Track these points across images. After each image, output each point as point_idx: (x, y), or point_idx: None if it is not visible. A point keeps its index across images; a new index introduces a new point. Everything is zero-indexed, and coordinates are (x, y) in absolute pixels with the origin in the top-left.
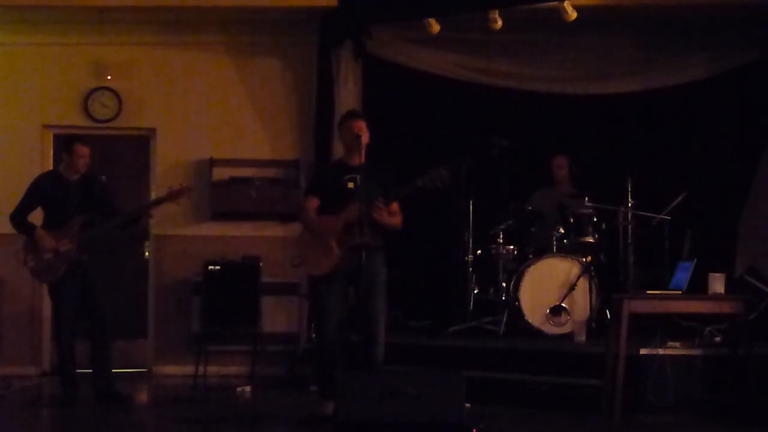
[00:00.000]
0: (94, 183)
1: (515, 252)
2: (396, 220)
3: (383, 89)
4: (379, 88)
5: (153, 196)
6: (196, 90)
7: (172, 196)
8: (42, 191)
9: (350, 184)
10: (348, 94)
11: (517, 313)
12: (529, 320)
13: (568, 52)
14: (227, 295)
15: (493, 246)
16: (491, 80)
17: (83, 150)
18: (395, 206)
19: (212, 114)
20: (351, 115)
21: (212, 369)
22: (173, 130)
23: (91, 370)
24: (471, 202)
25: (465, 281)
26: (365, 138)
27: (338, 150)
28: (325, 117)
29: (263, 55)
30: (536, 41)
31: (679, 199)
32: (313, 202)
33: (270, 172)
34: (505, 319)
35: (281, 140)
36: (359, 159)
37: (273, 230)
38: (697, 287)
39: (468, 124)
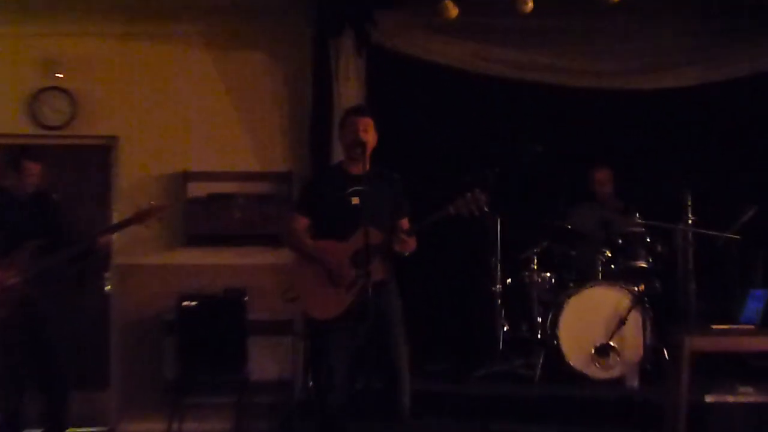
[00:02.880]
0: (48, 201)
1: (552, 280)
2: (412, 245)
3: (391, 86)
4: (386, 86)
5: (116, 217)
6: (168, 90)
7: (140, 218)
8: None
9: (354, 200)
10: (349, 93)
11: (556, 353)
12: (571, 362)
13: (612, 41)
14: (206, 336)
15: (526, 273)
16: (520, 74)
17: (33, 167)
18: (406, 224)
19: (187, 119)
20: (355, 111)
21: (189, 425)
22: (139, 138)
23: (41, 431)
24: (499, 220)
25: (492, 315)
26: (371, 139)
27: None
28: (322, 120)
29: (248, 49)
30: (574, 28)
31: (749, 214)
32: (302, 222)
33: (257, 188)
34: (541, 361)
35: (270, 149)
36: (363, 166)
37: (261, 257)
38: None
39: (493, 126)
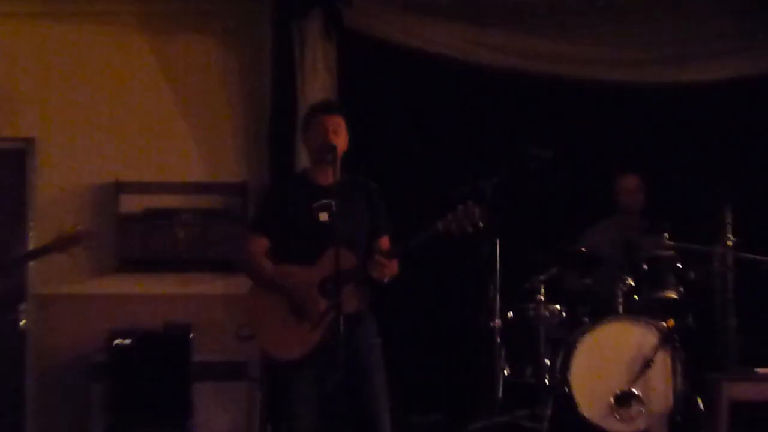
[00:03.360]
0: None
1: (563, 314)
2: (393, 270)
3: (367, 79)
4: (360, 78)
5: (33, 237)
6: (95, 83)
7: (61, 245)
8: None
9: (322, 215)
10: (317, 87)
11: (567, 402)
12: (585, 413)
13: (634, 26)
14: (143, 382)
15: (531, 306)
16: (523, 64)
17: None
18: (386, 244)
19: (119, 117)
20: (323, 108)
21: None
22: (61, 140)
23: None
24: (497, 240)
25: (490, 357)
26: (342, 143)
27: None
28: (284, 120)
29: (193, 33)
30: (589, 10)
31: None
32: (260, 243)
33: (205, 201)
34: (549, 412)
35: (221, 154)
36: (333, 175)
37: (210, 285)
38: None
39: (490, 127)
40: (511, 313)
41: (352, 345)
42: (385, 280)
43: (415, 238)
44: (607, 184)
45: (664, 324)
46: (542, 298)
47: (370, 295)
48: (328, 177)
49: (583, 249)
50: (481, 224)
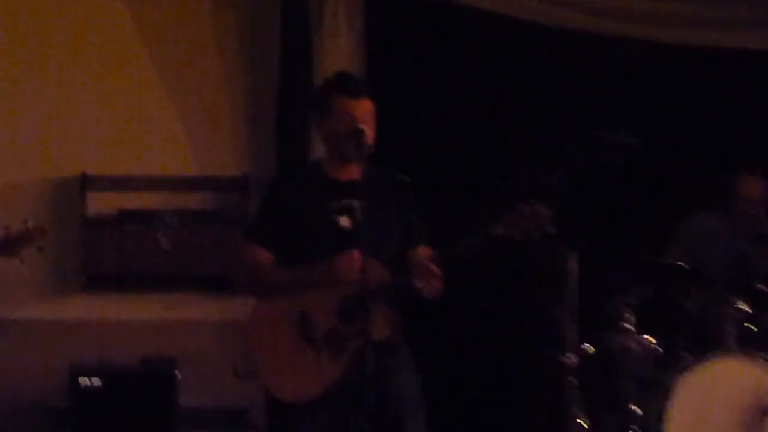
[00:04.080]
0: None
1: (657, 347)
2: (438, 284)
3: (401, 43)
4: (394, 41)
5: None
6: (54, 50)
7: (8, 246)
8: None
9: (342, 219)
10: (340, 54)
11: None
12: None
13: None
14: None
15: (615, 336)
16: (602, 25)
17: None
18: (426, 250)
19: (84, 95)
20: (345, 85)
21: None
22: (10, 124)
23: None
24: (571, 251)
25: (561, 402)
26: (370, 133)
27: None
28: (296, 95)
29: None
30: None
31: None
32: (263, 254)
33: (195, 201)
34: None
35: (215, 141)
36: (356, 169)
37: (200, 309)
38: None
39: (558, 104)
40: (588, 345)
41: (382, 383)
42: (429, 297)
43: (463, 242)
44: (715, 182)
45: None
46: (630, 326)
47: (403, 319)
48: (349, 170)
49: (682, 263)
50: (550, 229)
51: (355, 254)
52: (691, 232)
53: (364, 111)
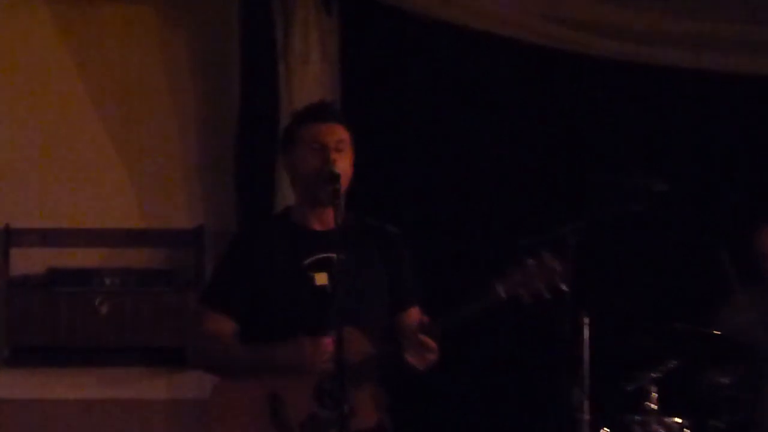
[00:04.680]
0: None
1: None
2: (434, 356)
3: (385, 70)
4: (376, 69)
5: None
6: None
7: None
8: None
9: (318, 277)
10: (312, 83)
11: None
12: None
13: None
14: None
15: (638, 418)
16: (605, 47)
17: None
18: (417, 314)
19: (10, 135)
20: (316, 113)
21: None
22: None
23: None
24: (588, 315)
25: None
26: (347, 167)
27: (289, 200)
28: (260, 132)
29: (126, 3)
30: None
31: None
32: (222, 326)
33: (139, 258)
34: None
35: (163, 189)
36: (334, 216)
37: (148, 388)
38: None
39: (570, 143)
40: (606, 429)
41: None
42: (422, 370)
43: (463, 309)
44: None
45: None
46: (654, 406)
47: (389, 397)
48: (326, 219)
49: (718, 332)
50: (563, 287)
51: (326, 342)
52: (731, 305)
53: (336, 137)
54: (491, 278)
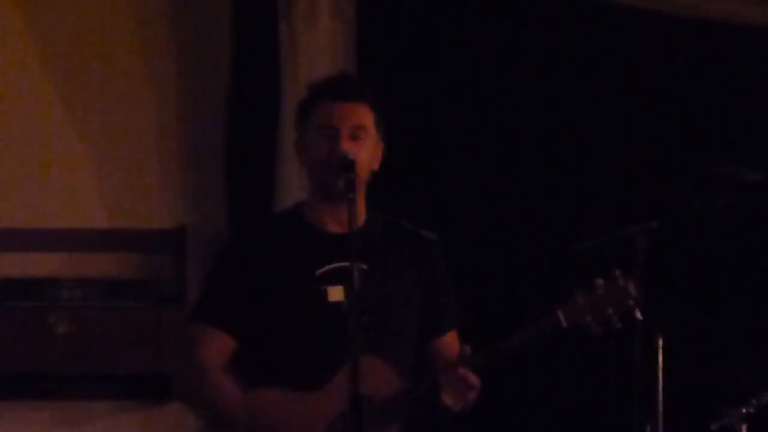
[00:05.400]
0: None
1: None
2: (474, 394)
3: (410, 34)
4: (400, 32)
5: None
6: None
7: None
8: None
9: (332, 292)
10: (321, 48)
11: None
12: None
13: None
14: None
15: None
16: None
17: None
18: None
19: None
20: (328, 88)
21: None
22: None
23: None
24: (664, 340)
25: None
26: (368, 155)
27: (292, 195)
28: (254, 112)
29: None
30: None
31: None
32: (220, 344)
33: (107, 265)
34: None
35: (138, 182)
36: (352, 215)
37: (112, 422)
38: None
39: (641, 128)
40: None
41: None
42: (459, 410)
43: (514, 339)
44: None
45: None
46: None
47: None
48: (344, 219)
49: None
50: (638, 315)
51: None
52: None
53: (352, 122)
54: (541, 295)
